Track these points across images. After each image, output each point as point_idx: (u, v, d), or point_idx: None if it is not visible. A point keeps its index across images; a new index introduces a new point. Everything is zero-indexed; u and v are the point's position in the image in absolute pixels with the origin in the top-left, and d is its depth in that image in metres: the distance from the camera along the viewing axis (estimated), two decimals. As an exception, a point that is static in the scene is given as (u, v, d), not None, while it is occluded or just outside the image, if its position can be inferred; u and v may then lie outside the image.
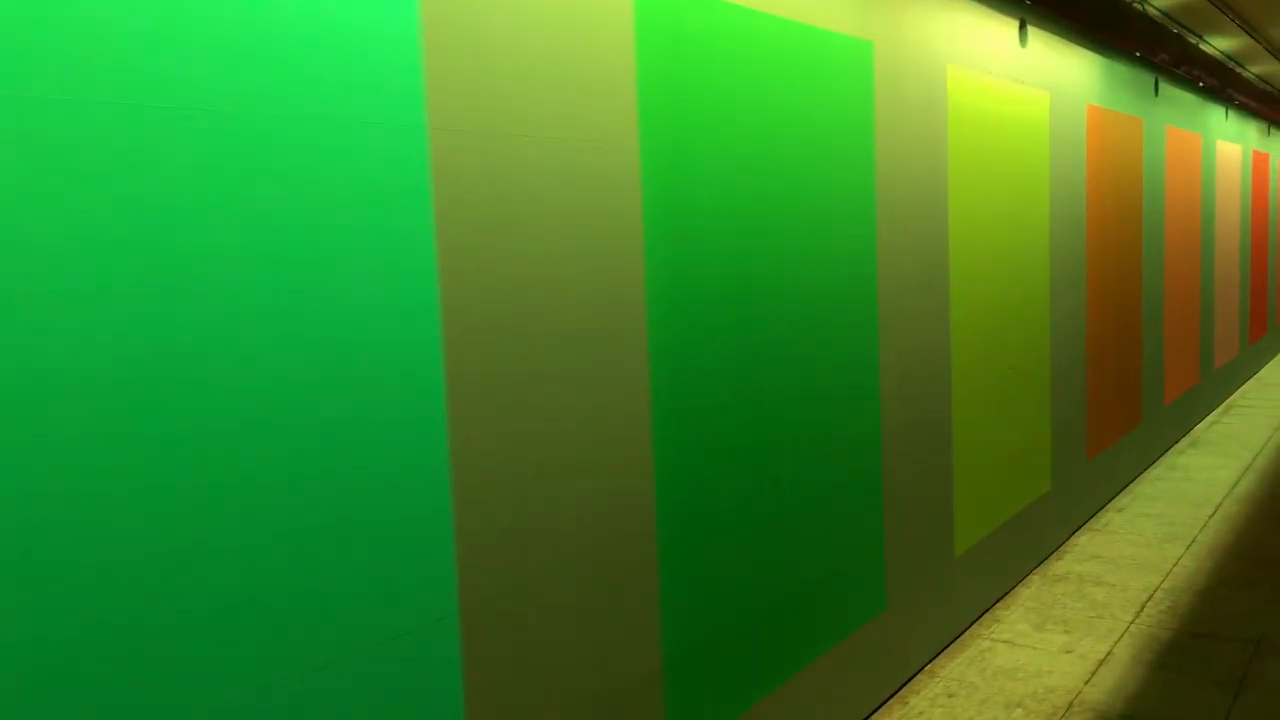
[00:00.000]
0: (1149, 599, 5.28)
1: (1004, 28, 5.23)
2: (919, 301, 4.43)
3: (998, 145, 5.17)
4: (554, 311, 2.60)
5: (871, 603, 4.11)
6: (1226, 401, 10.69)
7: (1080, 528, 6.53)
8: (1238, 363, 11.32)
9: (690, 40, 3.07)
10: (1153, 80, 7.80)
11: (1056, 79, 5.92)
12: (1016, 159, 5.39)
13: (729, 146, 3.24)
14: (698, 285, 3.12)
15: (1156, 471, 7.90)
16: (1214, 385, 10.21)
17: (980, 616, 5.12)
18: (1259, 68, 9.86)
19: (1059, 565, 5.86)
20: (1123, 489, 7.39)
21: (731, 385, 3.28)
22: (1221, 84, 8.58)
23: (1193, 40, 7.86)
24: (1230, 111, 10.49)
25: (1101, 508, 6.93)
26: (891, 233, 4.17)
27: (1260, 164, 12.22)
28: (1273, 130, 12.87)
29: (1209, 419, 9.84)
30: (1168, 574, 5.64)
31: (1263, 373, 12.48)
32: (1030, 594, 5.44)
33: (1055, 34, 5.85)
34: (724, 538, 3.25)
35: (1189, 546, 6.09)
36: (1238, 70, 9.48)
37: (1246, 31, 7.98)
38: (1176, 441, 8.82)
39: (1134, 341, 7.59)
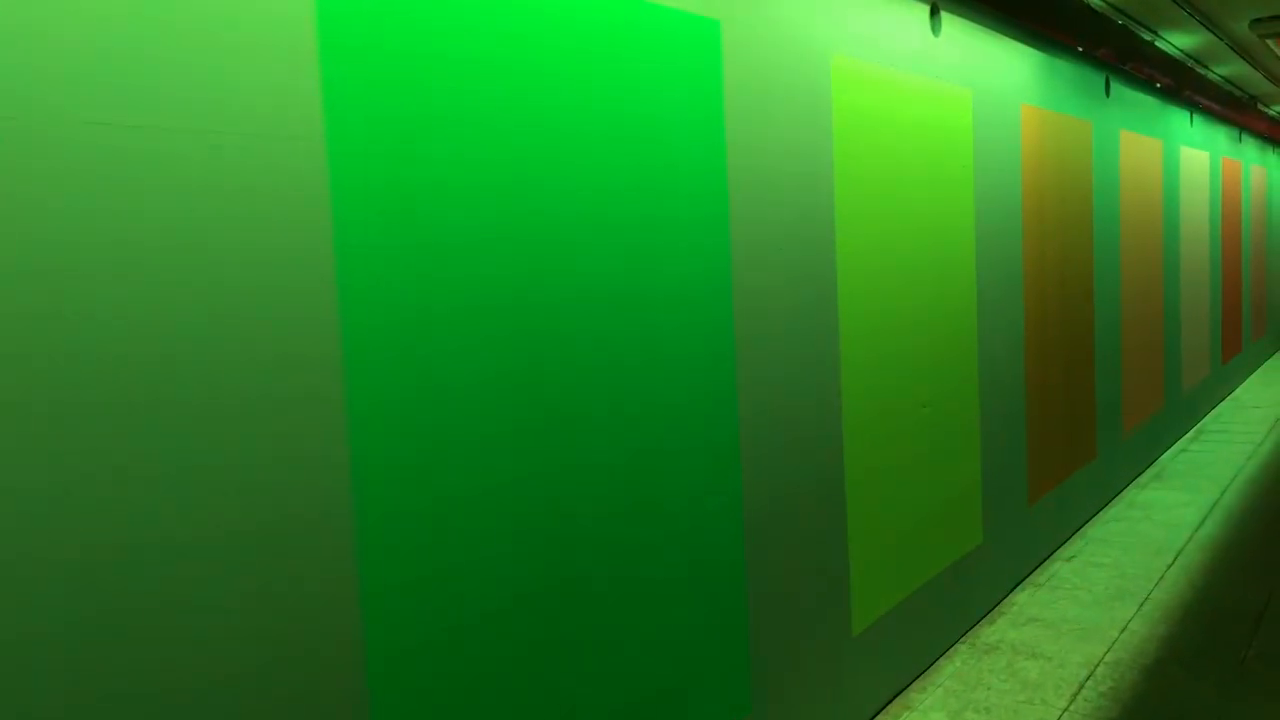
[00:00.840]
0: (1089, 677, 4.52)
1: (910, 13, 4.50)
2: (794, 330, 3.67)
3: (904, 150, 4.43)
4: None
5: (730, 709, 3.33)
6: (1198, 426, 9.97)
7: (1021, 582, 5.76)
8: (1210, 383, 10.61)
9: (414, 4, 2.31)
10: (1103, 79, 7.09)
11: (981, 75, 5.19)
12: (930, 166, 4.65)
13: (496, 139, 2.48)
14: (447, 311, 2.36)
15: (1113, 511, 7.14)
16: (1182, 409, 9.49)
17: (888, 704, 4.34)
18: (1225, 68, 9.18)
19: (991, 632, 5.09)
20: (1074, 533, 6.63)
21: (506, 443, 2.51)
22: (1179, 84, 7.88)
23: (1146, 36, 7.16)
24: (1196, 116, 9.80)
25: (1047, 557, 6.17)
26: (752, 244, 3.42)
27: (1231, 172, 11.55)
28: (1245, 136, 12.20)
29: (1176, 446, 9.11)
30: (1114, 643, 4.87)
31: (1238, 392, 11.77)
32: (954, 670, 4.66)
33: (977, 22, 5.12)
34: (486, 665, 2.47)
35: (1141, 605, 5.32)
36: (1199, 70, 8.79)
37: (1206, 27, 7.28)
38: (1138, 474, 8.08)
39: (1085, 368, 6.85)
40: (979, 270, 5.15)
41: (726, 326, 3.28)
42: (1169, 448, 9.00)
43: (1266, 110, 12.13)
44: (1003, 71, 5.46)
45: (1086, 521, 6.87)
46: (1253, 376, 12.79)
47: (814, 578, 3.81)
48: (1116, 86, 7.39)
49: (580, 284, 2.73)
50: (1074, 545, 6.41)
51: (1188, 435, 9.56)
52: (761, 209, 3.47)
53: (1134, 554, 6.18)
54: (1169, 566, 5.92)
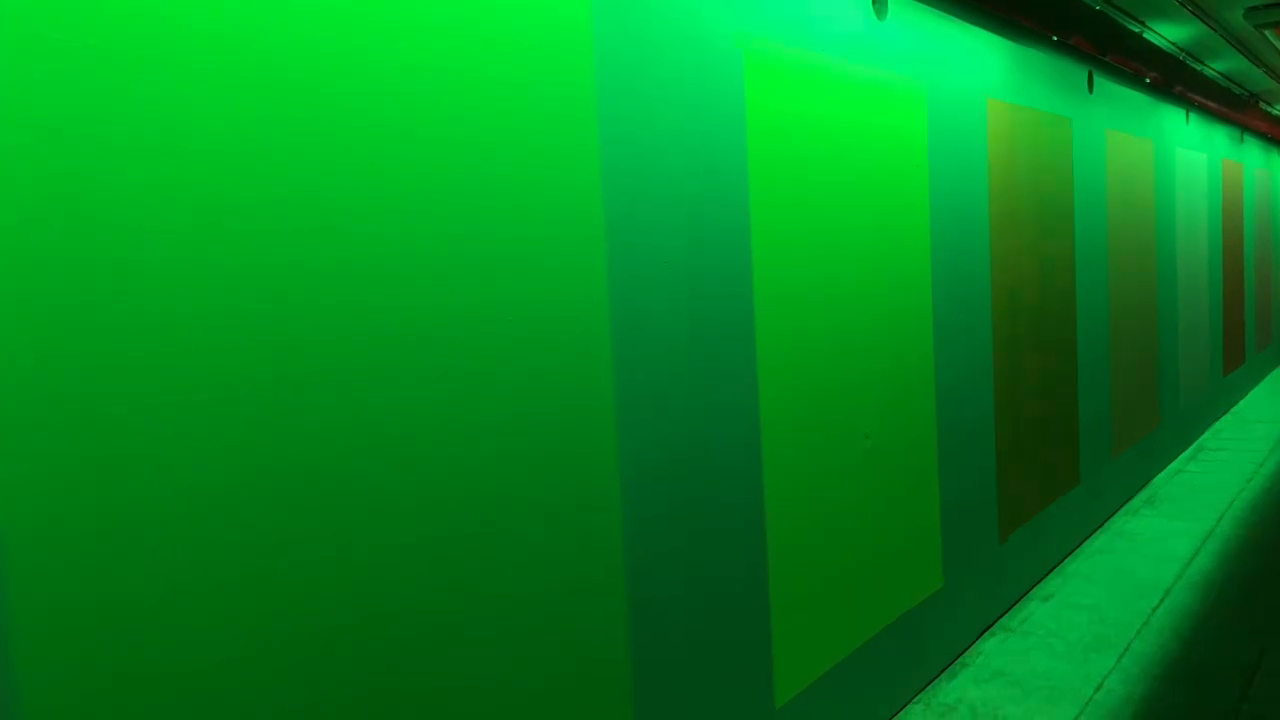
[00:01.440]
0: (1055, 748, 3.97)
1: (848, -8, 3.97)
2: (695, 358, 3.13)
3: (841, 156, 3.89)
4: None
5: (607, 813, 2.79)
6: (1196, 443, 9.38)
7: (991, 626, 5.21)
8: (1210, 397, 10.03)
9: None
10: (1085, 73, 6.54)
11: (938, 65, 4.65)
12: (874, 173, 4.12)
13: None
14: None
15: (1099, 541, 6.58)
16: (1180, 426, 8.91)
17: (821, 782, 3.80)
18: (1221, 63, 8.62)
19: (950, 689, 4.53)
20: (1054, 567, 6.07)
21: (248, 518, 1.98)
22: (1169, 79, 7.32)
23: (1133, 27, 6.61)
24: (1192, 115, 9.24)
25: (1022, 596, 5.61)
26: (635, 266, 2.89)
27: (1232, 176, 10.97)
28: (1247, 137, 11.62)
29: (1172, 466, 8.53)
30: (1087, 703, 4.32)
31: (1241, 406, 11.17)
32: (903, 737, 4.12)
33: (933, 4, 4.58)
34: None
35: (1120, 658, 4.76)
36: (1194, 65, 8.23)
37: (1198, 17, 6.73)
38: (1128, 499, 7.50)
39: (1068, 387, 6.29)
40: (935, 288, 4.61)
41: (597, 360, 2.75)
42: (1164, 468, 8.43)
43: (1270, 109, 11.55)
44: (965, 61, 4.92)
45: (1069, 554, 6.31)
46: (1257, 389, 12.19)
47: (725, 649, 3.27)
48: (1101, 81, 6.84)
49: (371, 316, 2.20)
50: (1053, 582, 5.85)
51: (1185, 454, 8.98)
52: (647, 225, 2.93)
53: (1117, 593, 5.61)
54: (1154, 609, 5.36)
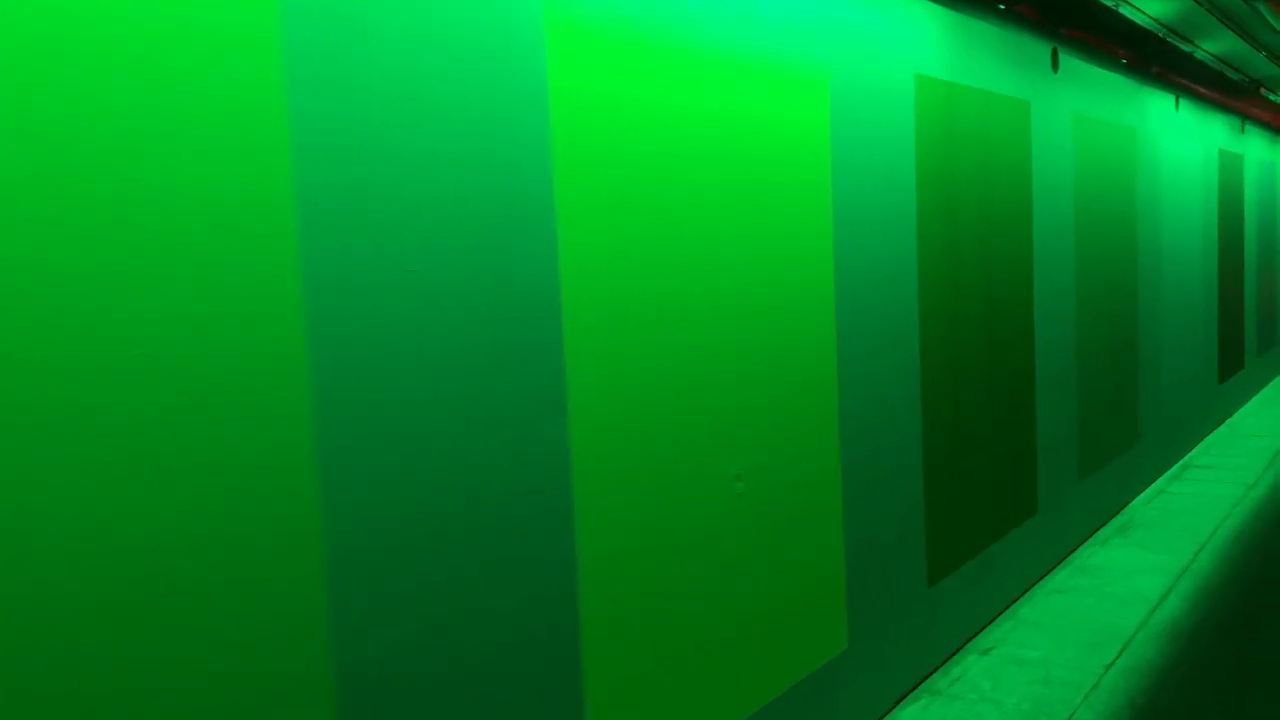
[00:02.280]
0: None
1: (713, -62, 3.24)
2: (468, 391, 2.43)
3: (702, 144, 3.18)
4: None
5: None
6: (1183, 460, 8.63)
7: (915, 689, 4.50)
8: (1203, 408, 9.26)
9: None
10: (1048, 50, 5.80)
11: (845, 36, 3.93)
12: (751, 164, 3.40)
13: None
14: None
15: (1059, 578, 5.85)
16: (1164, 441, 8.16)
17: None
18: (1214, 44, 7.85)
19: (850, 772, 3.83)
20: (1002, 610, 5.35)
21: None
22: (1145, 58, 6.56)
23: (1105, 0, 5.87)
24: (1183, 101, 8.46)
25: (958, 649, 4.90)
26: (366, 286, 2.19)
27: (1231, 168, 10.17)
28: (1248, 127, 10.82)
29: (1154, 487, 7.78)
30: (1009, 796, 3.61)
31: (1238, 417, 10.40)
32: (782, 837, 3.42)
33: (838, -38, 3.86)
34: None
35: (1059, 733, 4.06)
36: (1179, 45, 7.46)
37: (1179, -12, 5.98)
38: (1099, 526, 6.77)
39: (1023, 404, 5.57)
40: (841, 298, 3.89)
41: (291, 402, 2.05)
42: (1144, 489, 7.68)
43: (1273, 97, 10.74)
44: (883, 32, 4.19)
45: (1022, 594, 5.59)
46: (1257, 397, 11.40)
47: (511, 755, 2.58)
48: (1069, 60, 6.09)
49: None
50: (998, 630, 5.13)
51: (1170, 472, 8.23)
52: (379, 226, 2.23)
53: (1070, 644, 4.89)
54: (1109, 666, 4.64)
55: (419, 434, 2.31)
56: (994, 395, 5.20)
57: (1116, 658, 4.74)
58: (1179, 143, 8.41)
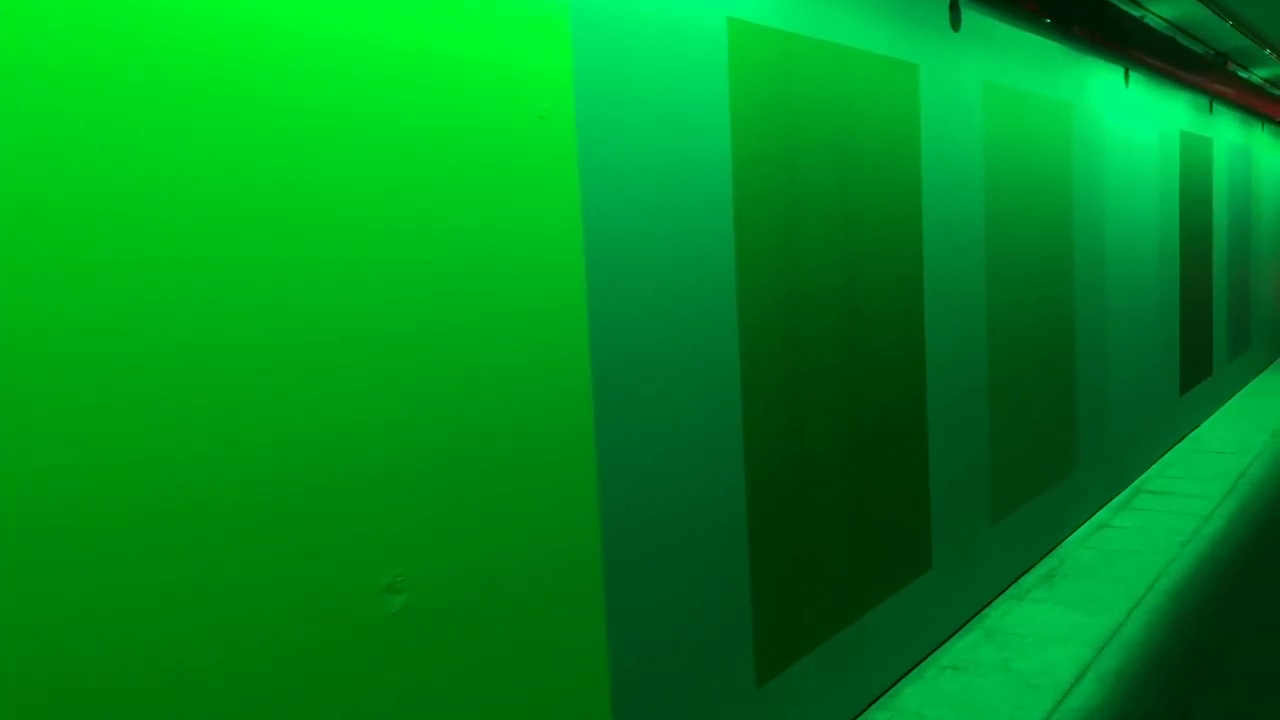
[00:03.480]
0: None
1: None
2: None
3: (377, 103, 2.13)
4: None
5: None
6: (1135, 483, 7.60)
7: (735, 820, 3.46)
8: (1160, 423, 8.23)
9: None
10: (945, 2, 4.73)
11: (608, -47, 2.86)
12: (430, 127, 2.35)
13: None
14: None
15: (960, 645, 4.81)
16: (1110, 464, 7.13)
17: None
18: (1167, 8, 6.79)
19: None
20: (876, 698, 4.31)
21: None
22: (1073, 17, 5.49)
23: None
24: (1135, 74, 7.40)
25: (807, 757, 3.86)
26: None
27: (1196, 152, 9.12)
28: (1217, 107, 9.76)
29: (1096, 519, 6.75)
30: None
31: (1204, 429, 9.37)
32: None
33: None
34: None
35: None
36: (1126, 8, 6.40)
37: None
38: (1023, 572, 5.73)
39: (908, 432, 4.52)
40: (597, 318, 2.83)
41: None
42: (1083, 521, 6.65)
43: (1244, 73, 9.69)
44: (678, -43, 3.12)
45: (911, 668, 4.55)
46: (1226, 407, 10.37)
47: None
48: (977, 17, 5.02)
49: None
50: (866, 725, 4.10)
51: (1117, 499, 7.19)
52: None
53: (949, 751, 3.86)
54: (992, 787, 3.60)
55: None
56: (860, 432, 4.14)
57: (1004, 771, 3.70)
58: (1130, 123, 7.36)
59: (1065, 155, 6.19)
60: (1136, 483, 7.61)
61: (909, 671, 4.54)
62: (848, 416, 4.05)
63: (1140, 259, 7.68)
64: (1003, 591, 5.48)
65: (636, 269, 2.97)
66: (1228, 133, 10.24)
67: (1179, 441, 8.84)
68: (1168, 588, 5.43)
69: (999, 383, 5.36)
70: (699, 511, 3.26)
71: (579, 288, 2.77)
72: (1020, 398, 5.63)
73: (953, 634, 4.94)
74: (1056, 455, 6.18)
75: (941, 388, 4.77)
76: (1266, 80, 10.42)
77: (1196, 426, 9.39)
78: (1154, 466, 8.06)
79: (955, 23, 4.78)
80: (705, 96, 3.24)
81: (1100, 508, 6.95)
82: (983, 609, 5.24)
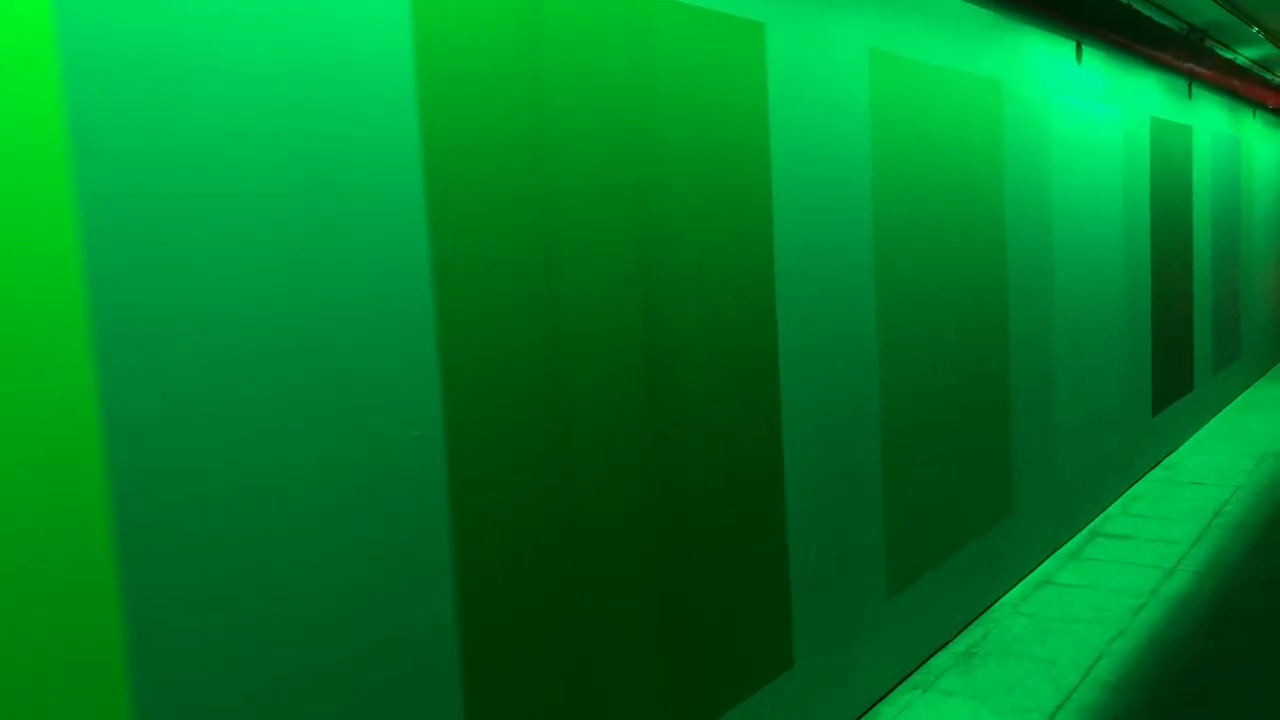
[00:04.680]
0: None
1: None
2: None
3: None
4: None
5: None
6: (1092, 525, 6.58)
7: None
8: (1127, 452, 7.21)
9: None
10: (806, -51, 3.72)
11: None
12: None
13: None
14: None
15: (830, 765, 3.81)
16: (1055, 508, 6.11)
17: None
18: (1123, -30, 5.75)
19: None
20: None
21: None
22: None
23: None
24: (1089, 49, 6.37)
25: None
26: None
27: (1172, 143, 8.08)
28: (1196, 90, 8.71)
29: (1039, 573, 5.73)
30: None
31: (1179, 455, 8.33)
32: None
33: None
34: None
35: None
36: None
37: None
38: (934, 652, 4.73)
39: (750, 509, 3.53)
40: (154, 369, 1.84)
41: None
42: (1023, 577, 5.64)
43: (1229, 53, 8.63)
44: None
45: (756, 802, 3.55)
46: (1209, 425, 9.33)
47: None
48: (858, -30, 4.00)
49: None
50: None
51: (1068, 546, 6.18)
52: None
53: None
54: None
55: None
56: (675, 508, 3.14)
57: None
58: (1085, 107, 6.33)
59: (994, 144, 5.17)
60: (1094, 524, 6.59)
61: (757, 804, 3.55)
62: (656, 488, 3.05)
63: (1100, 263, 6.66)
64: (906, 678, 4.48)
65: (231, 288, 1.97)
66: (1212, 120, 9.19)
67: (1152, 468, 7.82)
68: (1106, 677, 4.41)
69: (897, 423, 4.36)
70: (346, 657, 2.26)
71: (80, 323, 1.77)
72: (927, 436, 4.62)
73: (827, 744, 3.94)
74: (983, 500, 5.17)
75: (805, 438, 3.76)
76: (1254, 61, 9.36)
77: (1173, 450, 8.35)
78: (1118, 502, 7.04)
79: (823, -25, 3.77)
80: (377, 45, 2.24)
81: (1047, 556, 5.94)
82: (873, 707, 4.23)
